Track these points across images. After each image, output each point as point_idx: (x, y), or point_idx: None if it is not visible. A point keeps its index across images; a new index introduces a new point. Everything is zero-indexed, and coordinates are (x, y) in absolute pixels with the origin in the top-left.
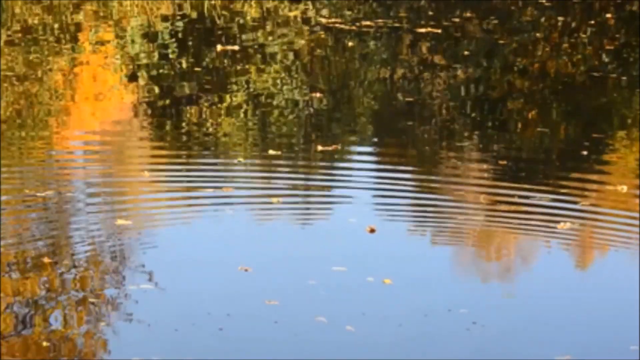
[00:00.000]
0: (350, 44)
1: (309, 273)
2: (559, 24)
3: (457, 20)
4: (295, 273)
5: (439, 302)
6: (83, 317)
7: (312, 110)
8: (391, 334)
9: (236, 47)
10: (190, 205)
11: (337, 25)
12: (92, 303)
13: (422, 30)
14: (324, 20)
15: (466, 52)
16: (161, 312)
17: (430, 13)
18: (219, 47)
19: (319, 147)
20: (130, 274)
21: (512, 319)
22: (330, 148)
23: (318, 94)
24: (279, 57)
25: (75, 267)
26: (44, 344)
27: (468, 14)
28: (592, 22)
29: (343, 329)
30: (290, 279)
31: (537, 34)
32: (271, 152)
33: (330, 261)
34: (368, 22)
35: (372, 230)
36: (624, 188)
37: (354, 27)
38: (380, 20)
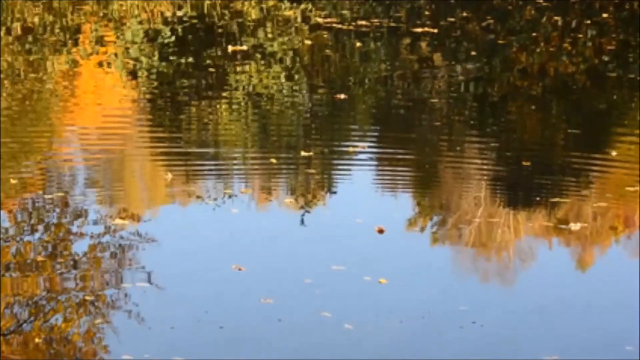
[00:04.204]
0: (358, 44)
1: (307, 272)
2: (559, 23)
3: (453, 19)
4: (294, 272)
5: (438, 300)
6: (81, 316)
7: (337, 111)
8: (391, 332)
9: (245, 47)
10: (193, 204)
11: (334, 25)
12: (90, 301)
13: (420, 30)
14: (321, 20)
15: (473, 53)
16: (159, 310)
17: (427, 13)
18: (230, 48)
19: (351, 149)
20: (128, 272)
21: (510, 317)
22: (358, 149)
23: (342, 96)
24: (287, 58)
25: (73, 265)
26: (42, 341)
27: (465, 14)
28: (589, 22)
29: (342, 328)
30: (289, 278)
31: (535, 34)
32: (303, 153)
33: (330, 260)
34: (365, 22)
35: (381, 231)
36: None
37: (351, 27)
38: (376, 20)
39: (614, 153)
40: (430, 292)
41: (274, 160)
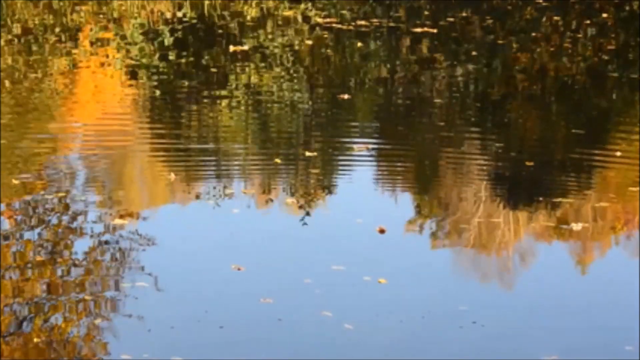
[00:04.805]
0: (358, 44)
1: (307, 272)
2: (559, 23)
3: (453, 19)
4: (294, 272)
5: (438, 300)
6: (81, 316)
7: (340, 111)
8: (391, 332)
9: (245, 47)
10: (194, 203)
11: (334, 25)
12: (90, 301)
13: (420, 30)
14: (321, 20)
15: (474, 53)
16: (159, 310)
17: (426, 13)
18: (231, 48)
19: (355, 148)
20: (127, 272)
21: (510, 317)
22: (362, 147)
23: (346, 96)
24: (288, 58)
25: (73, 265)
26: (42, 341)
27: (465, 14)
28: (589, 22)
29: (342, 328)
30: (289, 278)
31: (534, 34)
32: (308, 153)
33: (330, 260)
34: (365, 22)
35: (382, 231)
36: None
37: (351, 27)
38: (376, 20)
39: (618, 153)
40: (430, 292)
41: (278, 161)
